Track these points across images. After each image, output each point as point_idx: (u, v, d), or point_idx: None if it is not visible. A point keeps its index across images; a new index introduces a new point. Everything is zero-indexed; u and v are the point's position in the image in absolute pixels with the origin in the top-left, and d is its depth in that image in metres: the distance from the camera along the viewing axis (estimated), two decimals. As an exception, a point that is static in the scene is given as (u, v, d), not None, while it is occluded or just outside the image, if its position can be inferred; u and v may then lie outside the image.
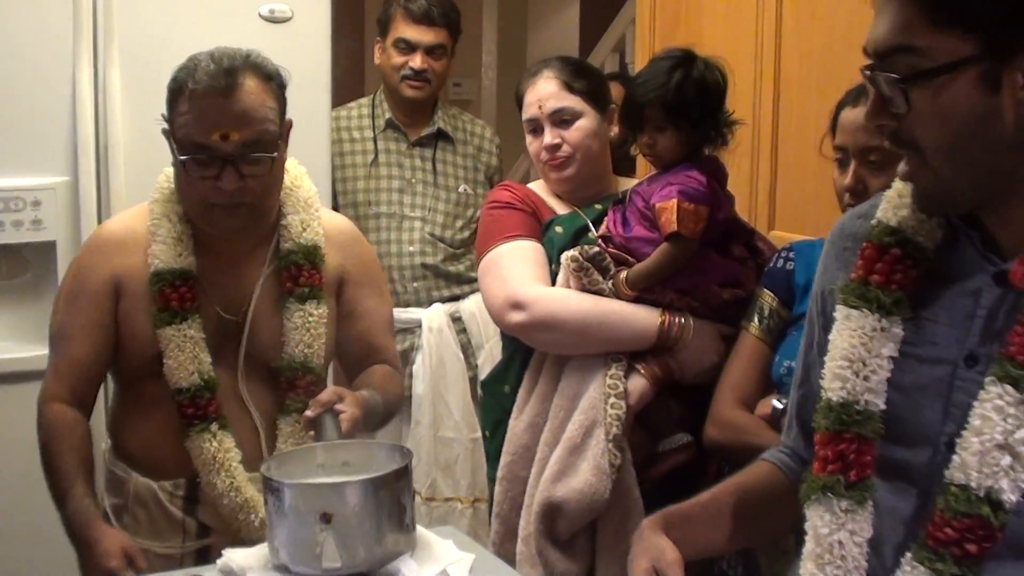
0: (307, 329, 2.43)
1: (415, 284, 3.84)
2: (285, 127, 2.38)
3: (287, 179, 2.48)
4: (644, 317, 2.56)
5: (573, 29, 6.78)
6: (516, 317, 2.59)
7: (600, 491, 2.48)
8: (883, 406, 1.61)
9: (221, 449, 2.37)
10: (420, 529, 2.07)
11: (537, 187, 2.85)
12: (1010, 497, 1.47)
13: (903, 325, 1.61)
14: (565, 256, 2.60)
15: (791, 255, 2.49)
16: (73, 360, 2.42)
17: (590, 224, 2.70)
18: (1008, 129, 1.45)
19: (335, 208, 3.75)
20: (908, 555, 1.56)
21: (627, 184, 2.80)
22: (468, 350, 3.87)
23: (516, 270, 2.65)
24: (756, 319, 2.48)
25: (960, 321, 1.57)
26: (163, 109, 2.37)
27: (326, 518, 1.88)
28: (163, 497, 2.42)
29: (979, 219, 1.57)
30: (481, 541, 2.75)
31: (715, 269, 2.59)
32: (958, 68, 1.44)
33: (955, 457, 1.51)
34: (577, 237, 2.68)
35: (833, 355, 1.65)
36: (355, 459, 2.12)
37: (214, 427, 2.37)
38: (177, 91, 2.30)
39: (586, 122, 2.72)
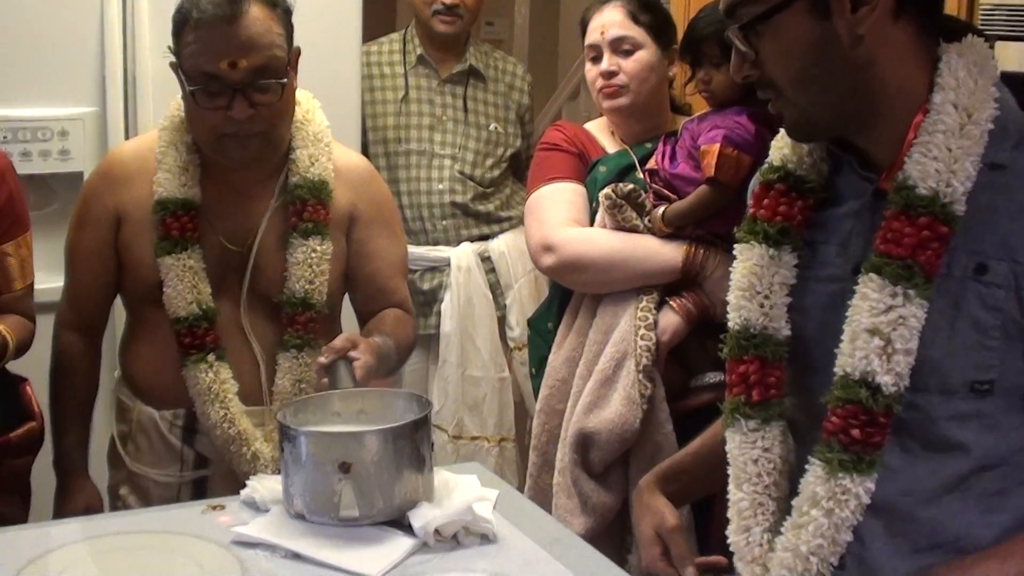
0: (309, 265, 2.41)
1: (444, 222, 3.81)
2: (293, 54, 2.34)
3: (298, 112, 2.44)
4: (669, 250, 2.60)
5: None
6: (547, 259, 2.67)
7: (631, 421, 2.52)
8: (787, 331, 1.73)
9: (217, 380, 2.37)
10: (442, 471, 2.07)
11: (593, 126, 2.88)
12: (885, 379, 1.57)
13: (797, 253, 1.73)
14: (601, 194, 2.64)
15: None
16: (79, 284, 2.51)
17: (636, 162, 2.73)
18: (846, 50, 1.58)
19: (364, 144, 3.73)
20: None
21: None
22: (496, 290, 3.85)
23: (551, 212, 2.71)
24: None
25: (847, 239, 1.70)
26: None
27: (344, 467, 1.87)
28: (163, 426, 2.44)
29: (853, 143, 1.70)
30: (507, 479, 2.77)
31: None
32: (788, 5, 1.58)
33: (837, 350, 1.62)
34: (622, 175, 2.72)
35: (732, 287, 1.78)
36: (372, 408, 2.10)
37: (211, 357, 2.37)
38: (182, 22, 2.27)
39: (646, 54, 2.73)
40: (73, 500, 2.45)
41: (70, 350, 2.51)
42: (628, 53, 2.72)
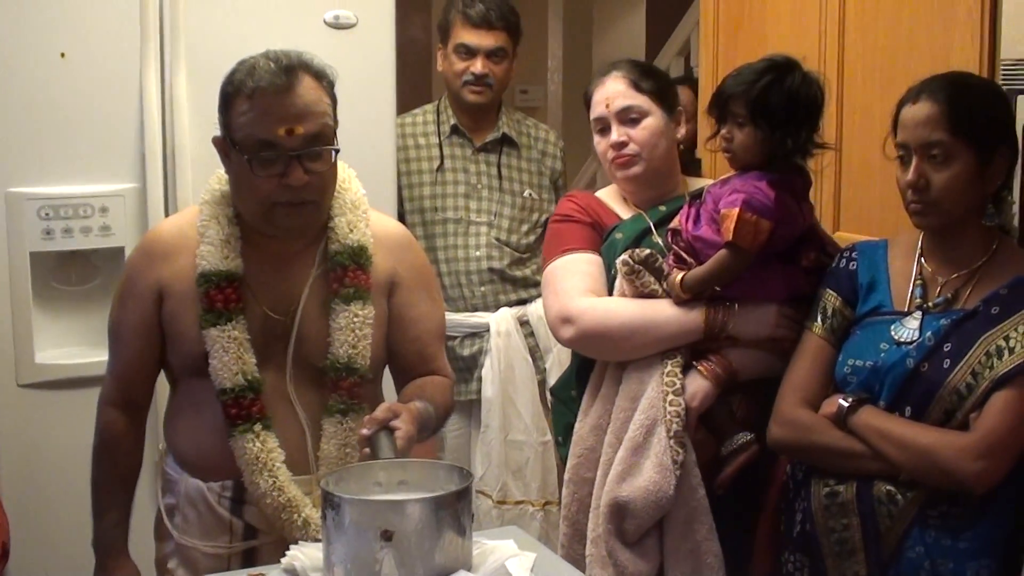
0: (352, 330, 2.43)
1: (482, 288, 3.84)
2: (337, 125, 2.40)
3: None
4: (689, 313, 2.58)
5: (639, 34, 6.74)
6: (566, 332, 2.66)
7: (665, 488, 2.50)
8: None
9: (264, 449, 2.38)
10: (479, 538, 2.07)
11: (605, 194, 2.87)
12: None
13: None
14: (618, 261, 2.63)
15: (854, 255, 2.50)
16: (124, 361, 2.52)
17: (652, 227, 2.72)
18: None
19: (400, 214, 3.77)
20: None
21: (696, 184, 2.82)
22: (536, 353, 3.86)
23: (568, 283, 2.70)
24: (819, 319, 2.48)
25: None
26: (228, 117, 2.39)
27: (387, 535, 1.88)
28: (211, 498, 2.44)
29: None
30: (551, 544, 2.77)
31: (775, 279, 2.59)
32: None
33: None
34: (639, 240, 2.70)
35: None
36: (413, 478, 2.11)
37: (257, 427, 2.38)
38: (234, 93, 2.32)
39: (653, 121, 2.74)
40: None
41: (114, 428, 2.53)
42: (635, 122, 2.73)
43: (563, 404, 2.87)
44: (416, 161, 3.89)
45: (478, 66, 3.80)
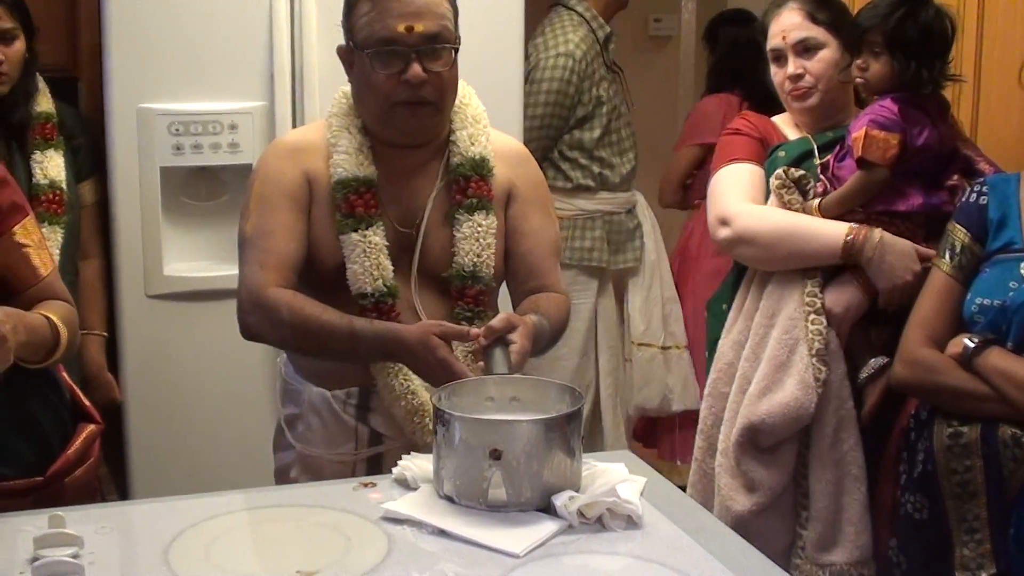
0: (476, 239, 2.44)
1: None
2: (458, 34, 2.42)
3: (456, 97, 2.50)
4: (832, 230, 2.62)
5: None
6: (722, 232, 2.76)
7: (806, 404, 2.59)
8: None
9: None
10: (590, 460, 2.06)
11: (779, 118, 2.93)
12: None
13: None
14: (773, 175, 2.72)
15: (984, 189, 2.45)
16: (280, 255, 2.40)
17: (815, 150, 2.77)
18: None
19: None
20: None
21: None
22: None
23: (730, 190, 2.79)
24: (947, 255, 2.44)
25: None
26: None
27: (495, 454, 1.88)
28: (336, 405, 2.46)
29: None
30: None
31: (914, 192, 2.63)
32: None
33: None
34: (799, 162, 2.76)
35: None
36: (525, 395, 2.10)
37: None
38: None
39: (828, 53, 2.76)
40: (424, 343, 2.27)
41: (290, 293, 2.37)
42: (811, 53, 2.76)
43: (714, 318, 2.93)
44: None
45: None
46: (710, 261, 4.37)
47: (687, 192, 4.65)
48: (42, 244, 2.26)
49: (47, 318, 2.13)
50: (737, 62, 4.43)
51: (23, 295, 2.19)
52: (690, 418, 4.03)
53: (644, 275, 4.35)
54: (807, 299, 2.63)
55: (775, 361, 2.63)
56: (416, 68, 2.33)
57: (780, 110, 2.88)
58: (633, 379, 4.35)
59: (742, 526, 2.59)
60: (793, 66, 2.76)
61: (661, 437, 4.62)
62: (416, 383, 2.39)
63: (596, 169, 4.17)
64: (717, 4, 5.60)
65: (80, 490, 2.20)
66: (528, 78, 4.01)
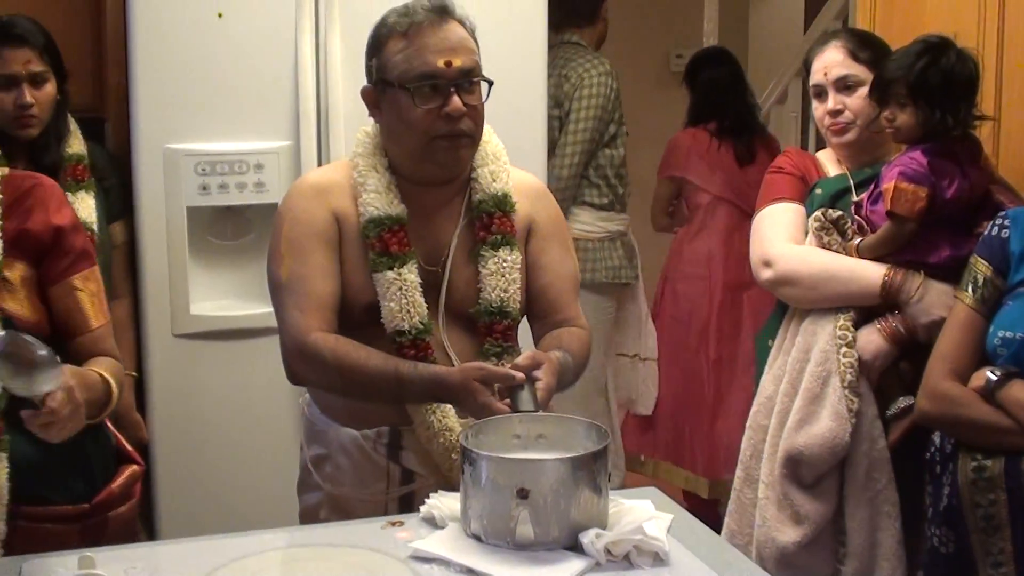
0: (502, 274, 2.46)
1: None
2: None
3: None
4: (870, 271, 2.70)
5: (797, -2, 6.61)
6: (765, 273, 2.84)
7: (840, 435, 2.64)
8: None
9: None
10: (617, 498, 2.06)
11: (822, 154, 3.01)
12: None
13: None
14: (811, 216, 2.80)
15: (1006, 223, 2.46)
16: (318, 297, 2.40)
17: (852, 187, 2.85)
18: None
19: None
20: None
21: None
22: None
23: (772, 230, 2.88)
24: (970, 288, 2.45)
25: None
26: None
27: (523, 493, 1.88)
28: (367, 445, 2.45)
29: None
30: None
31: (943, 248, 2.66)
32: None
33: None
34: (836, 199, 2.84)
35: None
36: (551, 433, 2.11)
37: None
38: (388, 34, 2.41)
39: (868, 90, 2.79)
40: (463, 386, 2.27)
41: (334, 338, 2.38)
42: (851, 90, 2.82)
43: (760, 353, 2.99)
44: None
45: None
46: (684, 283, 4.74)
47: (671, 219, 4.88)
48: (99, 296, 2.33)
49: (101, 375, 2.23)
50: (715, 97, 4.68)
51: (73, 342, 2.28)
52: (649, 419, 4.73)
53: (629, 291, 4.58)
54: (839, 332, 2.68)
55: (810, 394, 2.69)
56: (456, 101, 2.37)
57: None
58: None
59: (786, 558, 2.65)
60: (833, 102, 2.83)
61: (625, 432, 4.88)
62: (452, 420, 2.40)
63: (620, 190, 4.36)
64: (740, 39, 5.62)
65: (123, 526, 2.31)
66: (570, 96, 4.21)
